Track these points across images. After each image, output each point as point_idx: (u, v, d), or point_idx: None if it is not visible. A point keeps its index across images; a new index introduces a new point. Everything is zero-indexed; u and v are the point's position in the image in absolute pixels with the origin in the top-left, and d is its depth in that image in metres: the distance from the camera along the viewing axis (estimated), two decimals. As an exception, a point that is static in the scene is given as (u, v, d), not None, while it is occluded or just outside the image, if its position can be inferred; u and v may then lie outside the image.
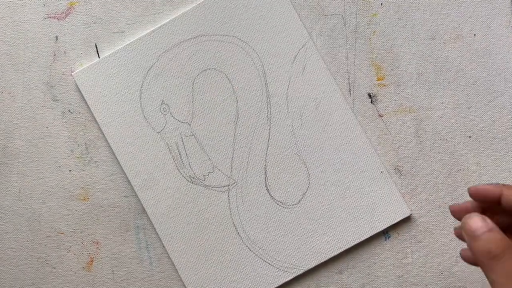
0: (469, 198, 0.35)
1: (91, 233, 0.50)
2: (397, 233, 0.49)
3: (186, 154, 0.49)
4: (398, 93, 0.50)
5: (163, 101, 0.49)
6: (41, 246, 0.50)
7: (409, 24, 0.50)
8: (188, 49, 0.49)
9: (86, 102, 0.50)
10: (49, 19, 0.51)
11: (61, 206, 0.50)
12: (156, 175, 0.49)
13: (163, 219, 0.49)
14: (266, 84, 0.49)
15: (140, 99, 0.49)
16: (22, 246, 0.50)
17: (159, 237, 0.49)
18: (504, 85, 0.49)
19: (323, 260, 0.48)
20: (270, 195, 0.49)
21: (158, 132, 0.49)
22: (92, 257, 0.50)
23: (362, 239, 0.48)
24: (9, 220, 0.50)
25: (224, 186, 0.49)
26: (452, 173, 0.49)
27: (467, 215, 0.32)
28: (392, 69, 0.50)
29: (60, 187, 0.50)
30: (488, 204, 0.35)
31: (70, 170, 0.50)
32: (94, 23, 0.51)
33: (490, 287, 0.30)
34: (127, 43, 0.49)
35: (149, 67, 0.49)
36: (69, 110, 0.50)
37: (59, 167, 0.50)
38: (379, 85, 0.50)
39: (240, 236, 0.49)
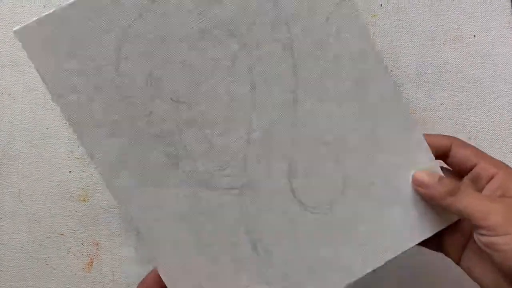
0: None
1: (91, 234, 0.50)
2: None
3: (186, 148, 0.36)
4: (398, 94, 0.50)
5: (151, 74, 0.35)
6: (41, 247, 0.50)
7: (409, 25, 0.50)
8: None
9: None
10: (49, 20, 0.51)
11: (61, 207, 0.50)
12: (148, 176, 0.36)
13: (157, 236, 0.36)
14: (292, 49, 0.36)
15: (117, 70, 0.34)
16: (22, 247, 0.50)
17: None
18: (504, 86, 0.49)
19: (359, 276, 0.37)
20: (294, 196, 0.37)
21: (146, 116, 0.35)
22: (92, 258, 0.50)
23: (405, 249, 0.38)
24: (9, 221, 0.50)
25: (237, 188, 0.37)
26: (452, 174, 0.49)
27: (415, 172, 0.37)
28: (391, 70, 0.50)
29: (60, 188, 0.50)
30: (437, 156, 0.38)
31: (70, 171, 0.50)
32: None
33: None
34: None
35: (128, 25, 0.34)
36: (69, 111, 0.50)
37: (59, 168, 0.50)
38: (378, 86, 0.50)
39: (257, 253, 0.37)
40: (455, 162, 0.38)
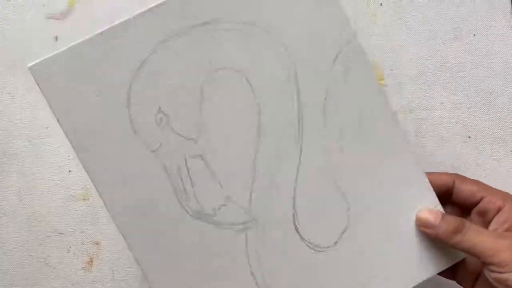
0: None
1: (91, 233, 0.50)
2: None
3: (191, 181, 0.36)
4: (398, 93, 0.50)
5: (160, 108, 0.36)
6: (41, 246, 0.50)
7: (409, 24, 0.50)
8: (196, 40, 0.36)
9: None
10: (48, 19, 0.51)
11: (61, 206, 0.50)
12: (150, 211, 0.36)
13: (158, 269, 0.36)
14: (297, 91, 0.37)
15: (127, 105, 0.35)
16: (22, 246, 0.50)
17: None
18: (504, 85, 0.49)
19: None
20: (300, 235, 0.37)
21: (152, 151, 0.36)
22: (92, 257, 0.50)
23: (410, 286, 0.38)
24: (9, 220, 0.50)
25: (240, 224, 0.37)
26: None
27: (418, 212, 0.37)
28: (391, 70, 0.50)
29: (60, 187, 0.50)
30: (440, 193, 0.38)
31: (70, 170, 0.50)
32: (94, 23, 0.51)
33: None
34: (110, 25, 0.35)
35: (141, 61, 0.35)
36: (69, 111, 0.50)
37: (59, 167, 0.50)
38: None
39: (259, 287, 0.37)
40: (460, 198, 0.37)
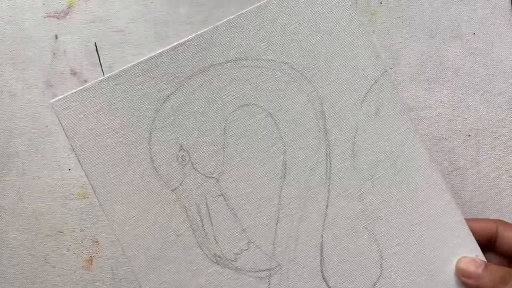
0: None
1: (90, 232, 0.50)
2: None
3: (211, 223, 0.35)
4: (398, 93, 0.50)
5: (182, 146, 0.35)
6: (41, 245, 0.50)
7: (409, 23, 0.50)
8: (220, 77, 0.35)
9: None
10: (48, 18, 0.51)
11: (60, 204, 0.50)
12: (167, 253, 0.34)
13: None
14: (325, 130, 0.36)
15: (149, 142, 0.35)
16: (21, 245, 0.50)
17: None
18: (503, 84, 0.49)
19: None
20: (327, 284, 0.35)
21: (173, 190, 0.35)
22: (92, 256, 0.50)
23: None
24: (8, 218, 0.50)
25: (263, 271, 0.35)
26: (451, 171, 0.49)
27: (458, 261, 0.34)
28: (391, 68, 0.50)
29: (60, 185, 0.50)
30: (482, 242, 0.35)
31: (69, 169, 0.50)
32: (94, 22, 0.51)
33: None
34: (134, 63, 0.35)
35: (164, 98, 0.35)
36: (68, 109, 0.50)
37: (59, 165, 0.50)
38: (378, 84, 0.50)
39: None
40: (505, 246, 0.35)
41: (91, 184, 0.34)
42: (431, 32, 0.50)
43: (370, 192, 0.35)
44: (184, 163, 0.35)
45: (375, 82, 0.36)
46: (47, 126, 0.50)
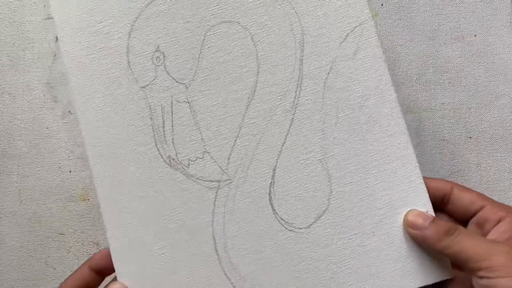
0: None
1: (91, 233, 0.50)
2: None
3: (172, 126, 0.35)
4: (399, 94, 0.50)
5: (159, 47, 0.36)
6: (41, 247, 0.50)
7: (410, 24, 0.50)
8: None
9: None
10: (49, 20, 0.51)
11: (61, 207, 0.50)
12: (124, 145, 0.35)
13: (118, 208, 0.35)
14: (301, 60, 0.36)
15: (128, 37, 0.36)
16: (22, 247, 0.50)
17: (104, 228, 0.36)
18: (504, 86, 0.49)
19: None
20: (272, 207, 0.35)
21: (142, 87, 0.36)
22: (93, 258, 0.50)
23: None
24: (9, 221, 0.50)
25: (213, 181, 0.35)
26: (452, 173, 0.49)
27: (407, 213, 0.34)
28: (392, 70, 0.50)
29: (61, 187, 0.50)
30: (436, 200, 0.36)
31: (70, 171, 0.50)
32: (94, 23, 0.51)
33: None
34: None
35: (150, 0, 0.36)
36: (69, 111, 0.50)
37: (59, 167, 0.50)
38: (379, 86, 0.50)
39: (218, 254, 0.35)
40: (458, 206, 0.35)
41: (65, 66, 0.36)
42: (432, 34, 0.50)
43: (332, 129, 0.35)
44: (158, 64, 0.36)
45: (360, 24, 0.36)
46: (47, 128, 0.50)
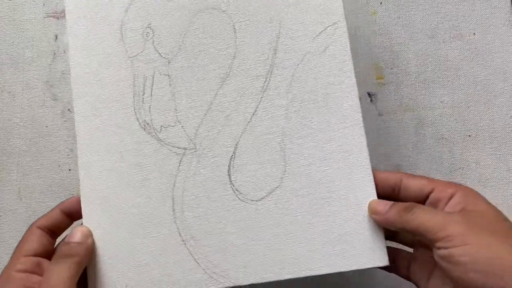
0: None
1: (91, 232, 0.50)
2: (397, 231, 0.49)
3: (151, 94, 0.40)
4: (398, 92, 0.50)
5: (150, 24, 0.40)
6: (41, 245, 0.50)
7: (409, 23, 0.50)
8: None
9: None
10: (48, 18, 0.51)
11: (61, 205, 0.50)
12: (106, 104, 0.40)
13: (92, 156, 0.39)
14: (275, 50, 0.40)
15: (125, 11, 0.41)
16: (22, 245, 0.50)
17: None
18: (503, 84, 0.49)
19: (262, 281, 0.37)
20: (229, 178, 0.39)
21: (130, 57, 0.40)
22: (92, 256, 0.50)
23: (322, 272, 0.37)
24: (9, 219, 0.50)
25: (180, 148, 0.39)
26: (451, 171, 0.49)
27: (370, 202, 0.37)
28: (391, 68, 0.50)
29: (60, 186, 0.50)
30: (387, 192, 0.37)
31: (69, 169, 0.50)
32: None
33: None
34: None
35: None
36: (68, 109, 0.50)
37: (59, 166, 0.50)
38: (378, 84, 0.50)
39: (174, 213, 0.38)
40: (410, 193, 0.36)
41: (68, 31, 0.40)
42: (431, 32, 0.50)
43: (295, 115, 0.39)
44: (147, 39, 0.40)
45: (333, 24, 0.40)
46: (47, 126, 0.50)
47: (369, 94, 0.50)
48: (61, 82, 0.50)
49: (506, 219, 0.33)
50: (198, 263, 0.38)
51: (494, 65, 0.49)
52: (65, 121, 0.50)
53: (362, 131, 0.38)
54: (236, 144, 0.39)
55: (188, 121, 0.39)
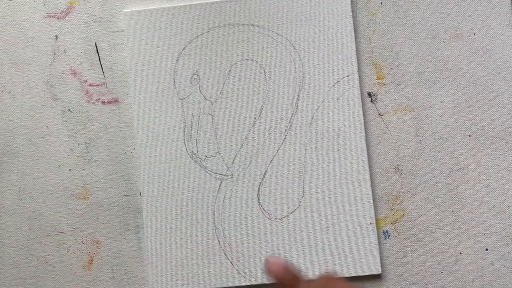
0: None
1: (91, 232, 0.50)
2: (397, 232, 0.49)
3: (197, 130, 0.49)
4: (398, 92, 0.50)
5: (197, 71, 0.49)
6: (41, 245, 0.50)
7: (409, 23, 0.50)
8: (240, 34, 0.50)
9: (87, 99, 0.50)
10: (49, 18, 0.51)
11: (61, 205, 0.50)
12: (162, 137, 0.49)
13: (151, 180, 0.49)
14: (298, 97, 0.49)
15: (176, 60, 0.50)
16: (22, 245, 0.50)
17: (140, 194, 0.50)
18: (503, 84, 0.49)
19: None
20: (258, 200, 0.49)
21: (180, 99, 0.49)
22: (92, 256, 0.50)
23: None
24: (9, 219, 0.50)
25: (220, 174, 0.49)
26: (451, 171, 0.49)
27: (268, 263, 0.33)
28: (392, 68, 0.50)
29: (60, 186, 0.50)
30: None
31: (70, 169, 0.50)
32: (94, 22, 0.51)
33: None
34: (184, 4, 0.50)
35: (197, 34, 0.50)
36: (69, 109, 0.50)
37: (59, 166, 0.50)
38: (379, 84, 0.50)
39: (215, 226, 0.49)
40: None
41: (128, 72, 0.50)
42: (431, 32, 0.50)
43: (312, 151, 0.49)
44: (194, 84, 0.49)
45: (347, 76, 0.49)
46: (47, 126, 0.50)
47: (369, 94, 0.50)
48: (61, 82, 0.50)
49: None
50: (232, 265, 0.48)
51: (494, 65, 0.49)
52: (65, 121, 0.50)
53: (366, 166, 0.48)
54: (264, 173, 0.49)
55: (227, 153, 0.49)
